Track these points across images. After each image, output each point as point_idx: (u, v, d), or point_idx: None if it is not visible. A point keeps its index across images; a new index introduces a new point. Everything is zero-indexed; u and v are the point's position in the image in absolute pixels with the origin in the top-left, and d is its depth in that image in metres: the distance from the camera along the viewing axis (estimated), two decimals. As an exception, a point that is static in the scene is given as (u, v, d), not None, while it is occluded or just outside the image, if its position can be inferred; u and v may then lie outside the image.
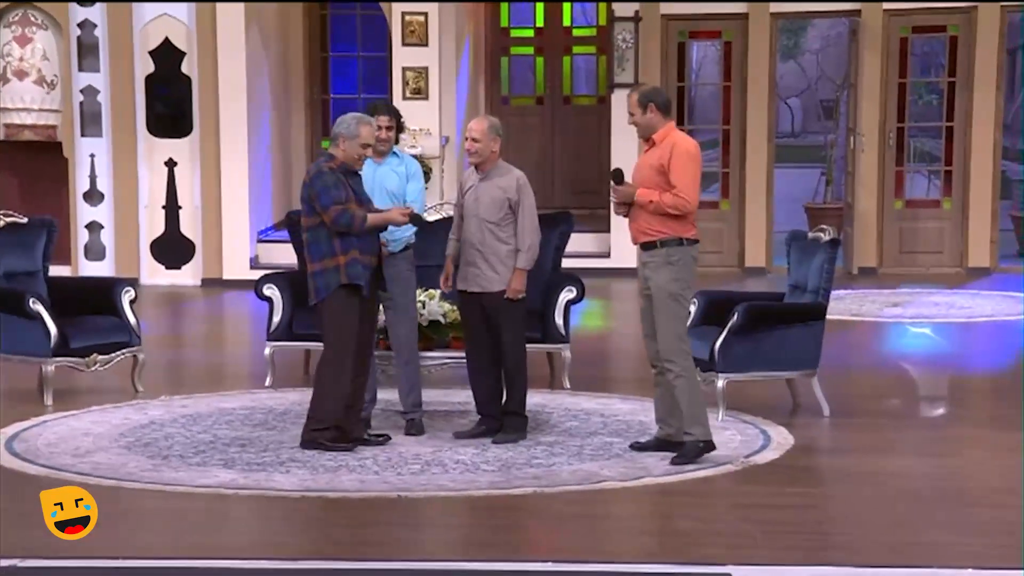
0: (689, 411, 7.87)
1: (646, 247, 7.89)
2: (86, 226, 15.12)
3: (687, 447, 7.88)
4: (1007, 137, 19.17)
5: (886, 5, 15.45)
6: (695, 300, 9.12)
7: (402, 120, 8.75)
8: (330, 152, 8.06)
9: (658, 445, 8.07)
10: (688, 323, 8.30)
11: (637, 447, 8.13)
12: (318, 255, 7.98)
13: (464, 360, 8.74)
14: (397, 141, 8.69)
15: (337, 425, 8.11)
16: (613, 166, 7.95)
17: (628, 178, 7.91)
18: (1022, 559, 6.16)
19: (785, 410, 9.09)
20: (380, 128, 8.39)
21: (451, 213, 10.15)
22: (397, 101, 14.80)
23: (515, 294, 8.26)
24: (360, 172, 8.13)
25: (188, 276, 15.18)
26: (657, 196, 7.78)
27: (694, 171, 7.80)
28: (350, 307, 7.98)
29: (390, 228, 8.20)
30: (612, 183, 8.00)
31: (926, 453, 8.34)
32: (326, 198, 7.90)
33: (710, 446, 7.89)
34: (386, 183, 8.48)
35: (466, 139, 8.38)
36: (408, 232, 8.47)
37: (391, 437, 8.32)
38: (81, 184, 15.07)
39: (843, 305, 13.25)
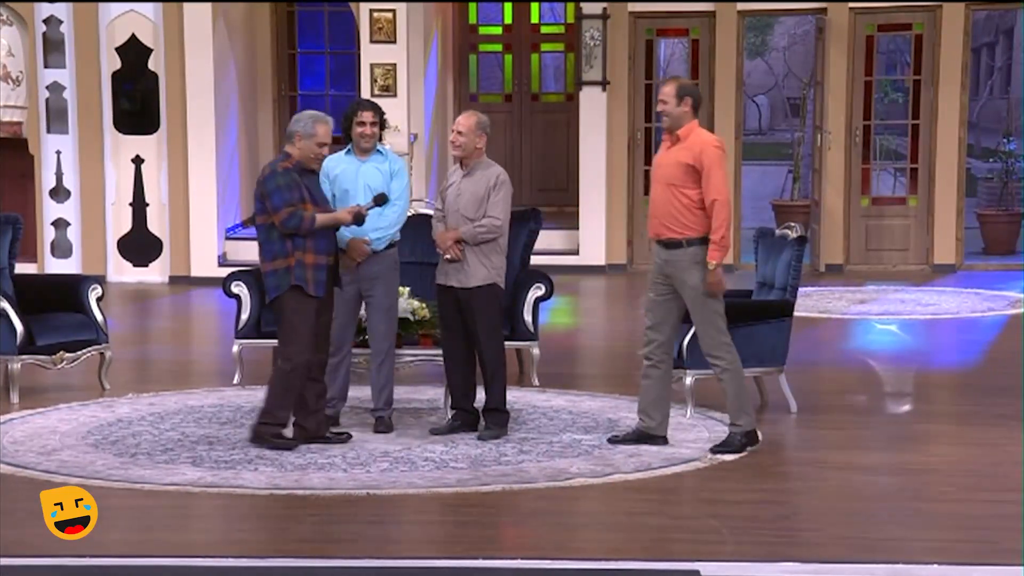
0: (736, 402, 7.99)
1: (669, 245, 7.89)
2: (52, 223, 15.05)
3: (731, 437, 8.00)
4: (972, 135, 19.29)
5: (852, 3, 15.52)
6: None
7: (385, 117, 8.71)
8: (286, 151, 8.02)
9: (637, 438, 8.12)
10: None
11: (615, 440, 8.17)
12: (270, 255, 7.96)
13: (432, 357, 8.74)
14: (381, 139, 8.67)
15: (298, 424, 8.12)
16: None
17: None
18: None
19: (753, 407, 9.12)
20: (364, 124, 8.41)
21: (420, 211, 10.15)
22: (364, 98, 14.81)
23: (444, 243, 8.22)
24: (316, 171, 8.10)
25: (155, 273, 15.12)
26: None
27: (721, 173, 7.78)
28: (303, 307, 7.96)
29: (345, 227, 8.18)
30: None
31: (892, 449, 8.39)
32: (277, 199, 7.86)
33: (754, 436, 8.00)
34: (369, 180, 8.45)
35: (452, 131, 8.37)
36: (392, 230, 8.46)
37: (352, 436, 8.30)
38: (47, 181, 14.99)
39: (810, 302, 13.31)
